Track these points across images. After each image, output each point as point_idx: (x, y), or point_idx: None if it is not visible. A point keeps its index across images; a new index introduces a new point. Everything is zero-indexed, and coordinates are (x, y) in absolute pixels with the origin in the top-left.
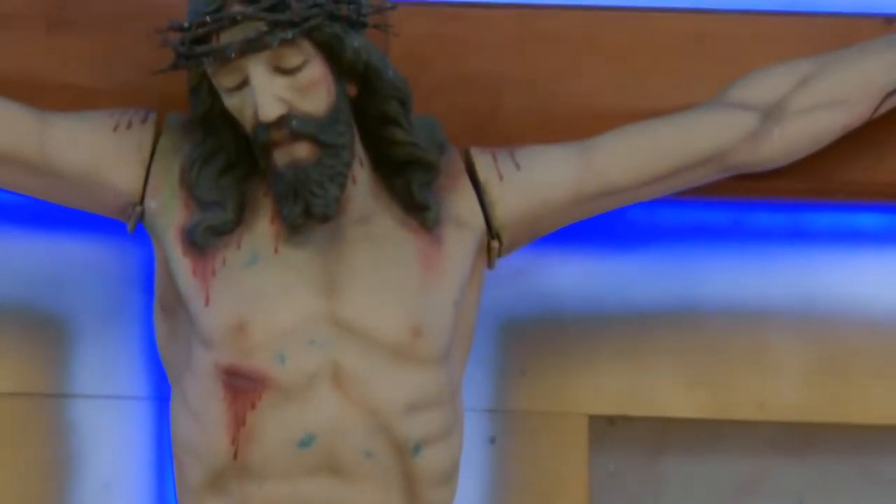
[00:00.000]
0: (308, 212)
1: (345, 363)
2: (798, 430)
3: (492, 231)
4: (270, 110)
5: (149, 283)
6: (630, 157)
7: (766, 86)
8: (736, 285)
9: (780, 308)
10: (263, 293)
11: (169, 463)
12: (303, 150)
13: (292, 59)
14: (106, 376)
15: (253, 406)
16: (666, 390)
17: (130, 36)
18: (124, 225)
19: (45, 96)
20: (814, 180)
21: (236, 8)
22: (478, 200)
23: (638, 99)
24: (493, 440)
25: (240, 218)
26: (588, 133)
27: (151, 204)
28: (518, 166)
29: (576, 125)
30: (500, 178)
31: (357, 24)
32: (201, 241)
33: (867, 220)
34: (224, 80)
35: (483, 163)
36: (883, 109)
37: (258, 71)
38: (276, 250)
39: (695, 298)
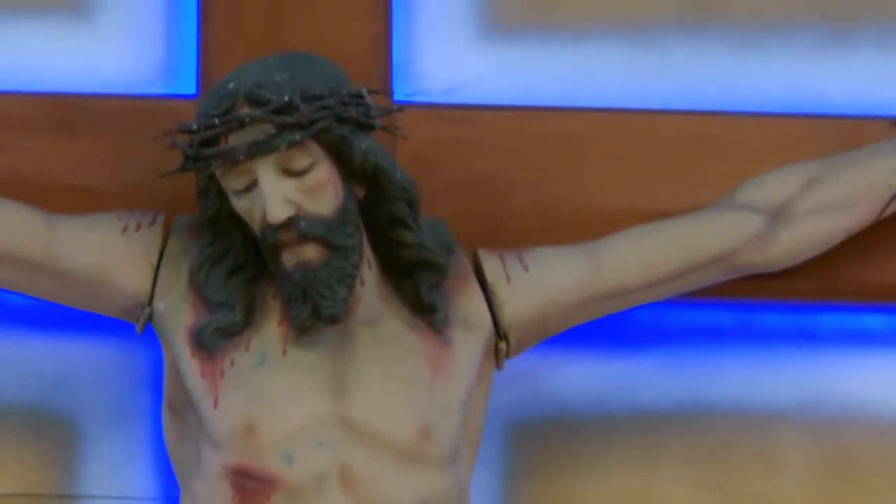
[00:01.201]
0: (316, 313)
1: (353, 464)
2: None
3: (500, 332)
4: (279, 212)
5: (157, 384)
6: (637, 259)
7: (773, 188)
8: (744, 386)
9: (788, 409)
10: (272, 395)
11: None
12: (311, 252)
13: (300, 161)
14: (114, 477)
15: None
16: (674, 492)
17: (139, 138)
18: (133, 326)
19: (54, 199)
20: (821, 281)
21: (245, 110)
22: (486, 302)
23: (645, 200)
24: None
25: (248, 319)
26: (595, 234)
27: (160, 305)
28: (526, 268)
29: (583, 227)
30: (508, 279)
31: (365, 126)
32: (210, 343)
33: (875, 321)
34: (232, 182)
35: (491, 265)
36: (889, 211)
37: (266, 173)
38: (284, 352)
39: (703, 400)
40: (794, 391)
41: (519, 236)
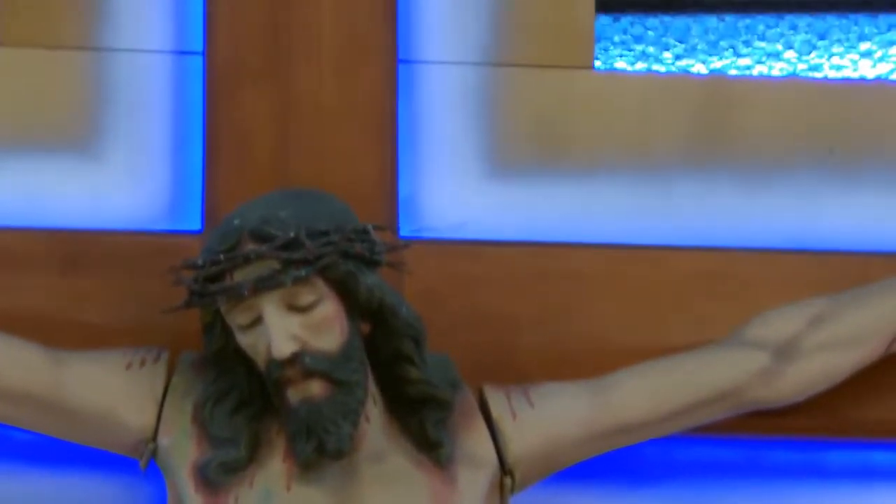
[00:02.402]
0: (321, 449)
1: None
2: None
3: (505, 468)
4: (284, 348)
5: None
6: (644, 395)
7: (780, 325)
8: None
9: None
10: None
11: None
12: (316, 388)
13: (306, 297)
14: None
15: None
16: None
17: (144, 274)
18: (137, 462)
19: (59, 335)
20: (829, 418)
21: (250, 247)
22: (491, 438)
23: (652, 337)
24: None
25: (252, 455)
26: (602, 371)
27: (164, 441)
28: (532, 404)
29: (590, 363)
30: (514, 416)
31: (371, 263)
32: (214, 479)
33: (883, 457)
34: (237, 318)
35: (496, 401)
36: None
37: (271, 309)
38: (288, 488)
39: None
40: None
41: (525, 372)
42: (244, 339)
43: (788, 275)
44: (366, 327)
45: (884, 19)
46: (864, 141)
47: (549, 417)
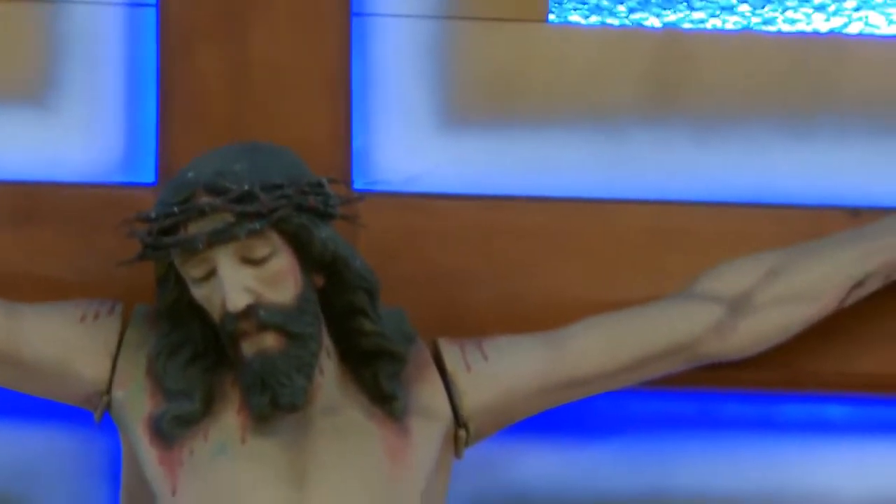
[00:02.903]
0: (275, 402)
1: None
2: None
3: (459, 421)
4: (238, 300)
5: (115, 473)
6: (598, 348)
7: (733, 278)
8: (706, 476)
9: (751, 499)
10: (231, 484)
11: None
12: (270, 340)
13: (260, 249)
14: None
15: None
16: None
17: (98, 227)
18: (91, 414)
19: (13, 288)
20: (783, 371)
21: (204, 199)
22: (445, 391)
23: (606, 291)
24: None
25: (207, 408)
26: (556, 325)
27: (118, 394)
28: (486, 357)
29: (543, 317)
30: (468, 368)
31: (325, 216)
32: (168, 431)
33: (837, 411)
34: (192, 271)
35: (450, 353)
36: (849, 301)
37: (226, 262)
38: (243, 440)
39: (664, 489)
40: (756, 481)
41: (479, 326)
42: (198, 292)
43: (743, 229)
44: (320, 280)
45: None
46: (818, 94)
47: (503, 370)
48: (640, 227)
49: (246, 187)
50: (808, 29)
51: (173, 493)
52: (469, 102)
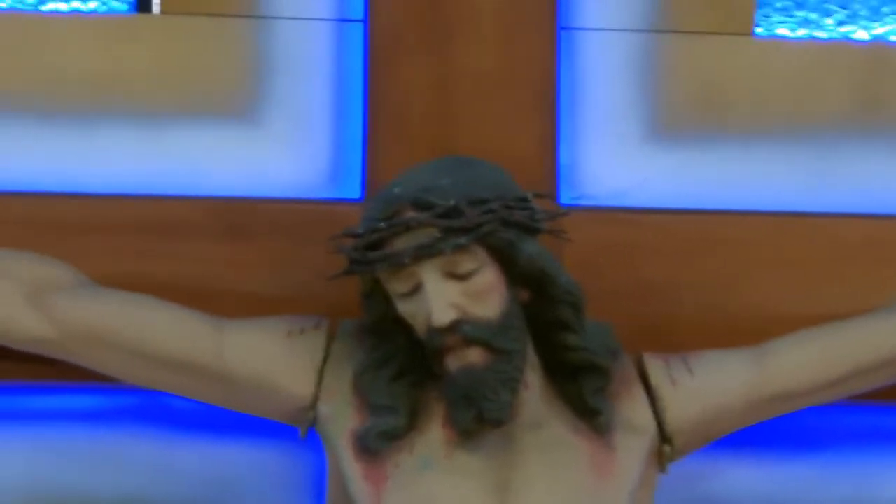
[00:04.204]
0: (481, 417)
1: None
2: None
3: (664, 436)
4: (444, 315)
5: (320, 489)
6: (805, 363)
7: None
8: None
9: None
10: (436, 499)
11: None
12: (475, 356)
13: (465, 264)
14: None
15: None
16: None
17: (305, 242)
18: (296, 430)
19: (220, 304)
20: None
21: (410, 214)
22: (650, 406)
23: (814, 306)
24: None
25: (412, 423)
26: (763, 339)
27: (324, 409)
28: (691, 372)
29: (752, 333)
30: (674, 383)
31: (530, 230)
32: (374, 446)
33: None
34: (397, 286)
35: (656, 369)
36: None
37: (431, 277)
38: (448, 455)
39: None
40: None
41: (685, 342)
42: (404, 307)
43: None
44: (525, 295)
45: None
46: None
47: (708, 385)
48: (849, 241)
49: (452, 202)
50: None
51: None
52: (675, 116)
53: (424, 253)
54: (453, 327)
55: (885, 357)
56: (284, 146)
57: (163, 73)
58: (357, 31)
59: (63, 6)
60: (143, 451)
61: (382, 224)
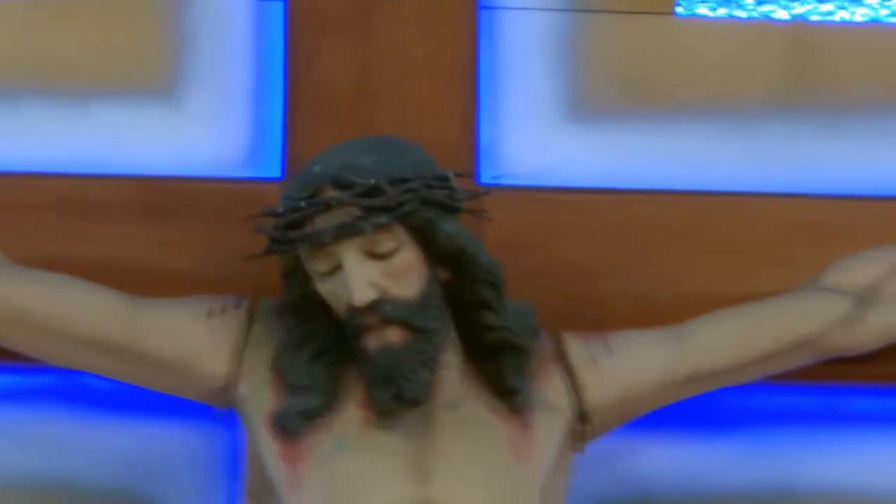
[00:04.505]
0: (399, 396)
1: None
2: None
3: (582, 415)
4: (363, 295)
5: (238, 468)
6: (724, 342)
7: (860, 271)
8: (830, 470)
9: (875, 493)
10: (353, 479)
11: None
12: (395, 335)
13: (385, 244)
14: None
15: None
16: None
17: (225, 221)
18: (215, 410)
19: (141, 283)
20: None
21: (330, 194)
22: (569, 385)
23: (734, 285)
24: None
25: (330, 403)
26: (682, 319)
27: (243, 389)
28: (611, 351)
29: (671, 312)
30: (593, 362)
31: (451, 210)
32: (292, 426)
33: None
34: (317, 265)
35: (575, 348)
36: None
37: (351, 256)
38: (366, 435)
39: (788, 484)
40: (880, 474)
41: (605, 320)
42: (324, 287)
43: (875, 222)
44: (445, 275)
45: None
46: None
47: (628, 365)
48: (770, 221)
49: (372, 181)
50: None
51: (295, 487)
52: (596, 96)
53: (344, 232)
54: (373, 307)
55: (803, 337)
56: (205, 125)
57: (83, 52)
58: (278, 9)
59: None
60: (59, 431)
61: (302, 203)
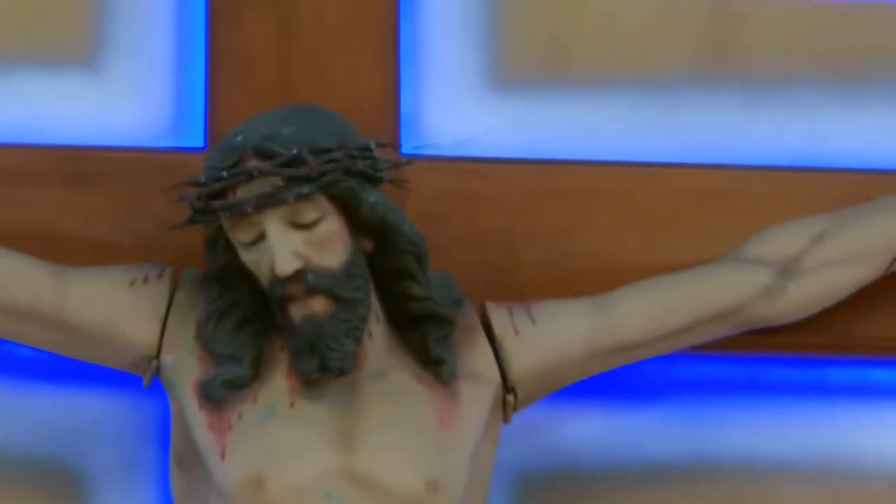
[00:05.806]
0: (324, 366)
1: None
2: None
3: (507, 385)
4: (287, 265)
5: (165, 437)
6: (646, 313)
7: (782, 242)
8: (752, 440)
9: (796, 463)
10: (279, 448)
11: None
12: (319, 305)
13: (308, 213)
14: None
15: None
16: None
17: (148, 191)
18: (140, 379)
19: (64, 252)
20: (830, 335)
21: (253, 163)
22: (493, 355)
23: (654, 255)
24: None
25: (256, 372)
26: (604, 288)
27: (167, 359)
28: (534, 321)
29: (593, 281)
30: (516, 332)
31: (373, 180)
32: (217, 395)
33: (884, 375)
34: (240, 235)
35: (499, 318)
36: None
37: (274, 226)
38: (291, 404)
39: (711, 453)
40: (802, 445)
41: (527, 290)
42: (247, 256)
43: (793, 192)
44: (368, 245)
45: None
46: (868, 58)
47: (551, 335)
48: (690, 191)
49: (294, 151)
50: None
51: (222, 456)
52: (518, 65)
53: (267, 202)
54: (297, 276)
55: (725, 308)
56: (127, 94)
57: (2, 20)
58: None
59: None
60: None
61: (224, 173)
